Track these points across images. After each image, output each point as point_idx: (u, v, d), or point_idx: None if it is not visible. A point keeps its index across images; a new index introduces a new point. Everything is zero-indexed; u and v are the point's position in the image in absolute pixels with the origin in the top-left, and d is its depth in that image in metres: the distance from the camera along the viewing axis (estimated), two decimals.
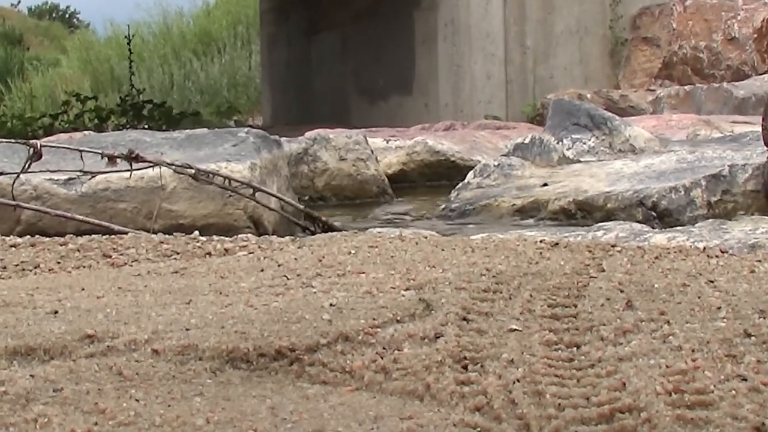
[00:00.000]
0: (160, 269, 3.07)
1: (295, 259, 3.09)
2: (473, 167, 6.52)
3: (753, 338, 2.14)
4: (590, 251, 3.16)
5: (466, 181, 6.22)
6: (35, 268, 3.29)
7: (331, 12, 14.98)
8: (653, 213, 5.19)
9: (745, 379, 1.90)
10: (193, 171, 4.52)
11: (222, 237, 3.88)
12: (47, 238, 3.82)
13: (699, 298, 2.47)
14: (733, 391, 1.84)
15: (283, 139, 5.78)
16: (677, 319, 2.29)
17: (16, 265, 3.32)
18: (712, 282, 2.66)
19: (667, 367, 1.98)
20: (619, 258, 3.03)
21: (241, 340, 2.13)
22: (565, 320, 2.31)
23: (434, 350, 2.09)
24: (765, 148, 5.33)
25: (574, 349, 2.13)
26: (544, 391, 1.87)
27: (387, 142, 8.40)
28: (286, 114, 16.13)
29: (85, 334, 2.18)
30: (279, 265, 2.99)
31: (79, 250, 3.54)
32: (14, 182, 4.40)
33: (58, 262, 3.37)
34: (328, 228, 4.68)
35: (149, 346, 2.12)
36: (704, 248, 3.25)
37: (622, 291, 2.54)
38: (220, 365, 2.07)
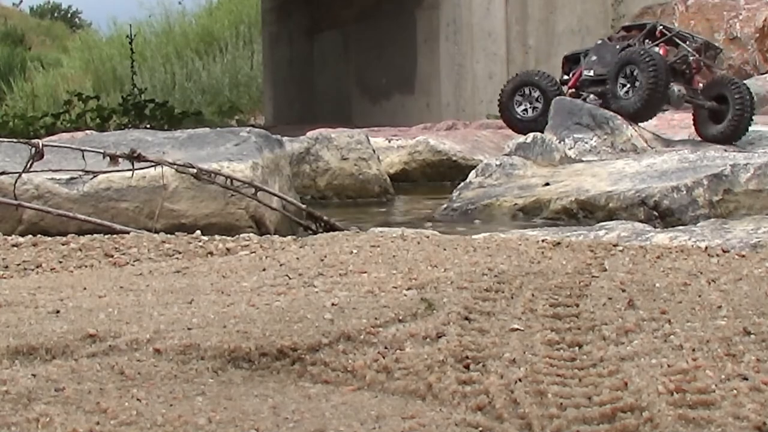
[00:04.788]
0: (161, 269, 3.07)
1: (297, 258, 3.09)
2: (475, 167, 6.52)
3: (753, 336, 2.15)
4: (592, 251, 3.16)
5: (467, 180, 6.22)
6: (37, 267, 3.29)
7: (333, 11, 14.99)
8: (655, 212, 5.19)
9: (746, 378, 1.90)
10: (194, 170, 4.52)
11: (224, 236, 3.88)
12: (49, 238, 3.82)
13: (700, 297, 2.47)
14: (735, 391, 1.85)
15: (284, 138, 5.78)
16: (678, 318, 2.29)
17: (18, 265, 3.32)
18: (713, 281, 2.66)
19: (668, 366, 1.98)
20: (621, 257, 3.03)
21: (243, 340, 2.13)
22: (567, 320, 2.32)
23: (436, 350, 2.09)
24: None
25: (576, 348, 2.13)
26: (546, 391, 1.87)
27: (389, 142, 8.40)
28: (287, 113, 16.13)
29: (86, 334, 2.18)
30: (281, 265, 2.99)
31: (80, 250, 3.54)
32: (16, 181, 4.40)
33: (60, 262, 3.37)
34: (330, 227, 4.68)
35: (151, 346, 2.12)
36: (706, 248, 3.24)
37: (623, 290, 2.54)
38: (222, 365, 2.07)
